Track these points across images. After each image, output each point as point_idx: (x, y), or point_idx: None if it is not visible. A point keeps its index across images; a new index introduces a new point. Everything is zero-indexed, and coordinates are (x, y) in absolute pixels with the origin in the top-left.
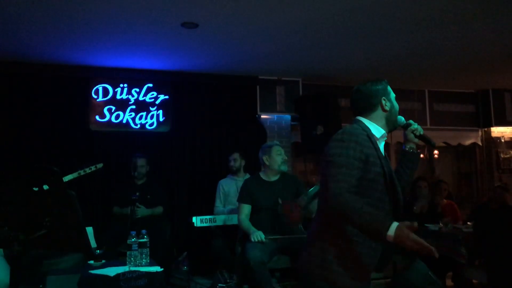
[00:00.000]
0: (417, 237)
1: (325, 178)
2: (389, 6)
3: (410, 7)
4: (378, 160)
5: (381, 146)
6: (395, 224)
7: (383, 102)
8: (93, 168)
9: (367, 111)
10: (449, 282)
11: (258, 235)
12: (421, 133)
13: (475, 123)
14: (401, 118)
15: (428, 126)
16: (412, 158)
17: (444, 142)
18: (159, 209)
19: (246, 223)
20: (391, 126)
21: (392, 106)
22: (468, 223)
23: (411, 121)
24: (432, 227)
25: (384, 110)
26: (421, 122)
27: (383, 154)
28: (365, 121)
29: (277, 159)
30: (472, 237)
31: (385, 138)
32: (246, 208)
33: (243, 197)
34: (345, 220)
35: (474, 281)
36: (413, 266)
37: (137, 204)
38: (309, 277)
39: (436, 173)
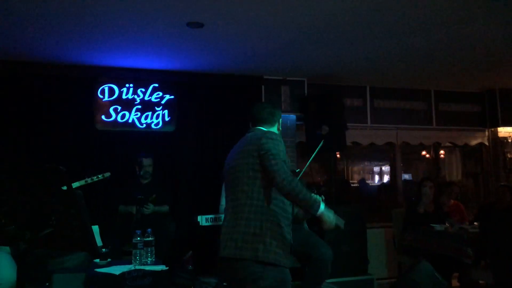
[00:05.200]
0: (335, 218)
1: (272, 169)
2: (394, 6)
3: (415, 7)
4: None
5: None
6: (323, 205)
7: (279, 124)
8: (100, 176)
9: (269, 123)
10: (455, 283)
11: None
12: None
13: (481, 123)
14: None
15: (434, 126)
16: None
17: (451, 142)
18: (165, 208)
19: None
20: None
21: (280, 132)
22: (475, 223)
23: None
24: (438, 227)
25: (278, 129)
26: (427, 122)
27: None
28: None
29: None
30: (478, 238)
31: None
32: None
33: None
34: (291, 197)
35: (480, 281)
36: (418, 266)
37: (146, 205)
38: (251, 261)
39: (442, 173)
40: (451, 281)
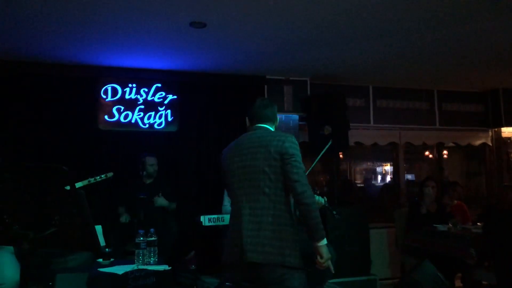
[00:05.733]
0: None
1: (293, 177)
2: (397, 6)
3: (418, 6)
4: None
5: None
6: (325, 240)
7: (277, 120)
8: (103, 176)
9: (271, 122)
10: (458, 283)
11: None
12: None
13: (485, 123)
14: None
15: (437, 126)
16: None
17: (454, 143)
18: (173, 205)
19: None
20: None
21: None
22: (478, 223)
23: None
24: (440, 227)
25: (276, 127)
26: (430, 122)
27: None
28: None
29: None
30: (481, 238)
31: None
32: None
33: None
34: (304, 211)
35: (483, 282)
36: (421, 266)
37: (156, 198)
38: (279, 266)
39: (445, 173)
40: (454, 281)
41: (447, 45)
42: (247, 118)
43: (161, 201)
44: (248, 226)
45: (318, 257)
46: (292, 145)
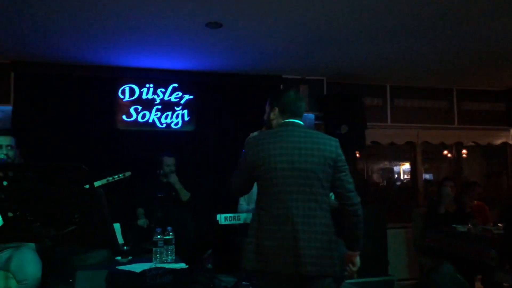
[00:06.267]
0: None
1: (349, 187)
2: (416, 3)
3: (437, 3)
4: None
5: None
6: None
7: None
8: (121, 176)
9: (301, 118)
10: (478, 285)
11: None
12: None
13: (505, 122)
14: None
15: (456, 125)
16: None
17: (473, 142)
18: (185, 192)
19: None
20: None
21: None
22: (499, 224)
23: None
24: (460, 228)
25: None
26: (449, 121)
27: None
28: None
29: None
30: (502, 239)
31: None
32: None
33: None
34: (353, 223)
35: (504, 284)
36: (440, 268)
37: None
38: (330, 277)
39: (464, 173)
40: (474, 283)
41: (467, 42)
42: (276, 109)
43: (174, 177)
44: (304, 236)
45: (351, 266)
46: (341, 151)
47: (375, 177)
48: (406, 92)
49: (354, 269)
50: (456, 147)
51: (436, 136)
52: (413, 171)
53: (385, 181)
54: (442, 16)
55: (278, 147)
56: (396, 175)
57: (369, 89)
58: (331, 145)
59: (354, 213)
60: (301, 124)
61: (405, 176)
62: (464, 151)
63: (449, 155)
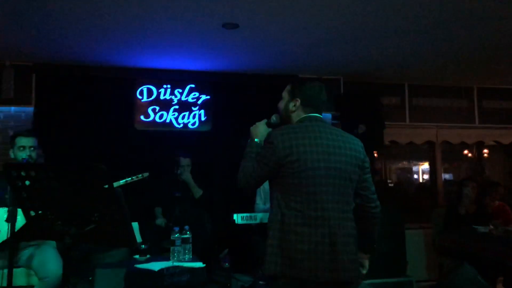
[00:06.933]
0: None
1: (373, 189)
2: (432, 0)
3: (457, 0)
4: None
5: None
6: None
7: None
8: (140, 176)
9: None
10: (500, 287)
11: None
12: None
13: None
14: None
15: (477, 124)
16: None
17: (495, 141)
18: (198, 189)
19: None
20: None
21: None
22: None
23: None
24: (481, 229)
25: None
26: (469, 120)
27: None
28: None
29: None
30: None
31: None
32: None
33: None
34: (376, 223)
35: None
36: (460, 269)
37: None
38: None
39: (485, 173)
40: (495, 285)
41: (487, 39)
42: (298, 100)
43: (187, 175)
44: (341, 240)
45: (361, 269)
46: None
47: (394, 177)
48: (425, 90)
49: (364, 271)
50: (477, 147)
51: (456, 136)
52: (432, 171)
53: (403, 181)
54: (460, 13)
55: (314, 143)
56: (415, 175)
57: (387, 88)
58: (359, 145)
59: (377, 215)
60: (324, 120)
61: (424, 176)
62: (485, 150)
63: (469, 154)
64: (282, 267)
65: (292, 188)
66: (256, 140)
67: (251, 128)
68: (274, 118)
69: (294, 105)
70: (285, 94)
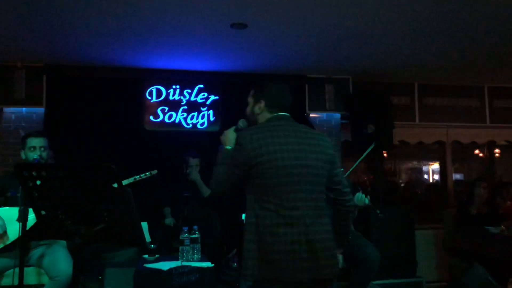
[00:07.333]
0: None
1: (347, 190)
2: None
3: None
4: None
5: None
6: None
7: None
8: (148, 174)
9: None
10: None
11: None
12: None
13: None
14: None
15: (488, 123)
16: None
17: (506, 141)
18: (207, 190)
19: None
20: None
21: None
22: None
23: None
24: (492, 229)
25: None
26: (480, 119)
27: None
28: None
29: None
30: None
31: None
32: None
33: None
34: (350, 217)
35: None
36: (471, 270)
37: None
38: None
39: (497, 173)
40: (506, 286)
41: (498, 38)
42: (263, 102)
43: (196, 175)
44: (317, 237)
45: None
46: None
47: (403, 177)
48: (435, 90)
49: (339, 265)
50: (488, 146)
51: (467, 135)
52: (442, 171)
53: (413, 181)
54: (475, 13)
55: (283, 142)
56: (425, 175)
57: (396, 88)
58: (326, 140)
59: (350, 209)
60: (291, 118)
61: (435, 176)
62: (497, 150)
63: (480, 154)
64: (262, 271)
65: (265, 189)
66: (227, 147)
67: (221, 136)
68: (241, 123)
69: (259, 108)
70: (250, 99)
